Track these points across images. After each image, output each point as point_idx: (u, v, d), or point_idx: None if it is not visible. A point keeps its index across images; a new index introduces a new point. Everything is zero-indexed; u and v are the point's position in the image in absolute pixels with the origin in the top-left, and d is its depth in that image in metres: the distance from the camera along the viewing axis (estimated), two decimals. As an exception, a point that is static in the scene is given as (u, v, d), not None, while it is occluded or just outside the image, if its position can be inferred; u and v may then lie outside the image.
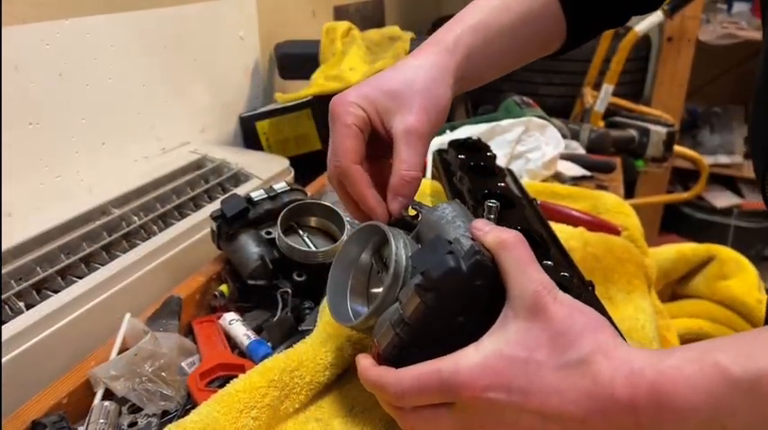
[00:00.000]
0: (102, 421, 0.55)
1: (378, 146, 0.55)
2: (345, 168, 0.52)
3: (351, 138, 0.53)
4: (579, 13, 0.64)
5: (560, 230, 0.82)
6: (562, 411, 0.39)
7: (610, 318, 0.51)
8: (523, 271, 0.42)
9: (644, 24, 1.72)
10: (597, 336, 0.40)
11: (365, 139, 0.54)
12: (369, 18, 1.89)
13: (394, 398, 0.44)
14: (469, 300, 0.44)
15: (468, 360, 0.41)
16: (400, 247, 0.48)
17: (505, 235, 0.44)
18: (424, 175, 0.55)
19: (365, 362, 0.47)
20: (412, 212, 0.55)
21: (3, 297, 0.67)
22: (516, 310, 0.42)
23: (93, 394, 0.60)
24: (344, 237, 0.73)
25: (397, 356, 0.45)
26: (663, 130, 1.57)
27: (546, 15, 0.63)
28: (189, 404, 0.58)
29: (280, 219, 0.73)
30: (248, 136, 1.27)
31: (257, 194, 0.77)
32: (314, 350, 0.59)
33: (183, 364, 0.63)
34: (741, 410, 0.35)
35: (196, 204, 0.95)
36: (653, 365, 0.38)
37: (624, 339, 0.42)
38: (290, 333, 0.66)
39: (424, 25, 2.25)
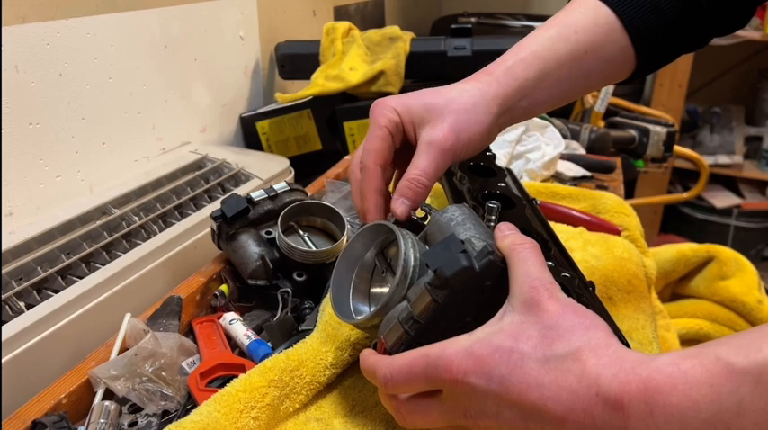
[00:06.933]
0: (102, 421, 0.55)
1: (410, 154, 0.56)
2: (366, 166, 0.55)
3: (380, 140, 0.55)
4: (651, 41, 0.59)
5: (560, 230, 0.82)
6: (540, 407, 0.37)
7: (611, 319, 0.50)
8: (526, 269, 0.42)
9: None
10: (588, 334, 0.38)
11: (395, 143, 0.56)
12: (369, 18, 1.89)
13: (383, 383, 0.44)
14: (480, 300, 0.44)
15: (457, 345, 0.41)
16: (409, 247, 0.48)
17: (520, 239, 0.45)
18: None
19: (366, 351, 0.48)
20: (420, 214, 0.55)
21: (3, 297, 0.67)
22: (513, 305, 0.42)
23: (94, 394, 0.59)
24: (345, 238, 0.73)
25: None
26: (663, 131, 1.57)
27: (610, 45, 0.59)
28: (189, 404, 0.58)
29: (280, 218, 0.73)
30: (248, 136, 1.27)
31: (257, 194, 0.77)
32: (314, 350, 0.59)
33: (183, 364, 0.63)
34: (748, 407, 0.32)
35: (196, 204, 0.95)
36: (646, 362, 0.35)
37: (627, 344, 0.41)
38: (290, 333, 0.66)
39: (425, 25, 2.25)
